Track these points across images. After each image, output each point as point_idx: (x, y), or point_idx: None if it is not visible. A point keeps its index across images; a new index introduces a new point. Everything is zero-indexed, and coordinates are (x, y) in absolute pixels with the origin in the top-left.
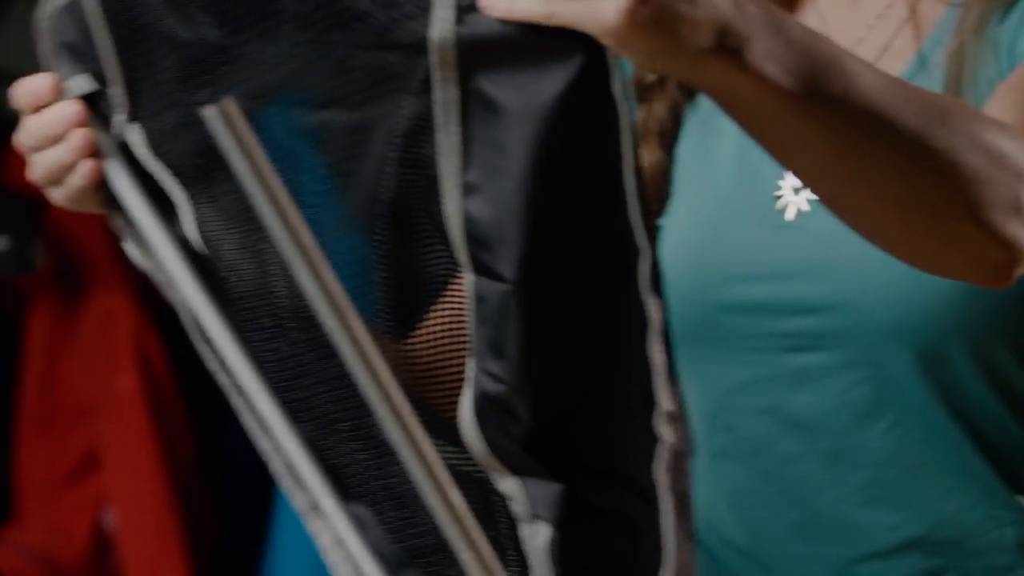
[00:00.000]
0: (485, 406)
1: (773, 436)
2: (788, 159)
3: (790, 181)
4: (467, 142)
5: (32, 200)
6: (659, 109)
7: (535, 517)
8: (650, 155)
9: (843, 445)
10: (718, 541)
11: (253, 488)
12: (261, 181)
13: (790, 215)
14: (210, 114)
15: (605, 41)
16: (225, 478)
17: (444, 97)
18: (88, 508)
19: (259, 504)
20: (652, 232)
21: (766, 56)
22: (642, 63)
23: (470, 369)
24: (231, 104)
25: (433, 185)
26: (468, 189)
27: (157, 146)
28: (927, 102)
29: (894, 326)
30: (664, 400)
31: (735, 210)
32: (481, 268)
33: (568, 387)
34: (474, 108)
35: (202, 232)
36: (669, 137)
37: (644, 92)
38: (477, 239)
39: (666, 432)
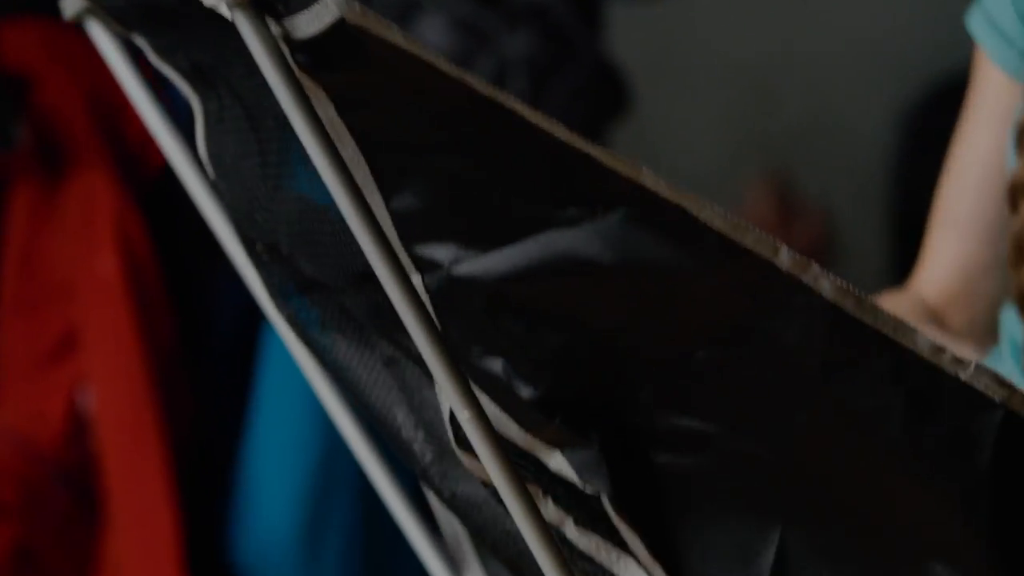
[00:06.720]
0: None
1: None
2: None
3: None
4: None
5: (15, 79)
6: None
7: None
8: None
9: None
10: None
11: (233, 364)
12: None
13: None
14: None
15: None
16: (204, 355)
17: None
18: (65, 388)
19: (239, 383)
20: None
21: None
22: None
23: None
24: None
25: None
26: None
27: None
28: None
29: None
30: None
31: None
32: None
33: None
34: None
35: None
36: None
37: None
38: None
39: None
